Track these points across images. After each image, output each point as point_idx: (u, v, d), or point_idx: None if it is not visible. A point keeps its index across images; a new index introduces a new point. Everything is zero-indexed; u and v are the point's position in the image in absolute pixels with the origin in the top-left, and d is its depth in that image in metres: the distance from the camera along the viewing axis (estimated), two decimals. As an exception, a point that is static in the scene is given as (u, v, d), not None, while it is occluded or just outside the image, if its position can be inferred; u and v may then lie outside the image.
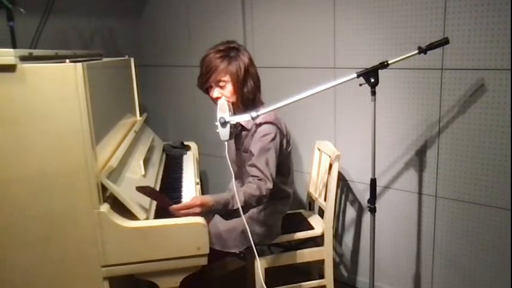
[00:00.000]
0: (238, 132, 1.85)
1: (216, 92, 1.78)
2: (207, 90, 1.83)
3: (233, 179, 1.73)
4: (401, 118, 2.05)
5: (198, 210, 1.55)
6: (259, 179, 1.71)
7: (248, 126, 1.82)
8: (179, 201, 1.71)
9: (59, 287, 1.44)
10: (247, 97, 1.79)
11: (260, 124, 1.77)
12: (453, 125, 1.91)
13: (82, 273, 1.43)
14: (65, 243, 1.40)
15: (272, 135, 1.75)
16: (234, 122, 1.65)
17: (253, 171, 1.73)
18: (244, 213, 1.66)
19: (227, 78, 1.75)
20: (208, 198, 1.61)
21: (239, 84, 1.76)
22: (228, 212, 1.69)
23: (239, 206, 1.62)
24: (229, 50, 1.77)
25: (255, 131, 1.78)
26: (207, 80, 1.77)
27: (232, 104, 1.78)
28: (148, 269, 1.47)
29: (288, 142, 1.87)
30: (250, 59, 1.80)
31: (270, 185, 1.72)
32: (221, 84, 1.76)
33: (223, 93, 1.77)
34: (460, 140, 1.90)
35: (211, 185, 2.93)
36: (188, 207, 1.54)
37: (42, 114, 1.31)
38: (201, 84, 1.82)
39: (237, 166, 1.95)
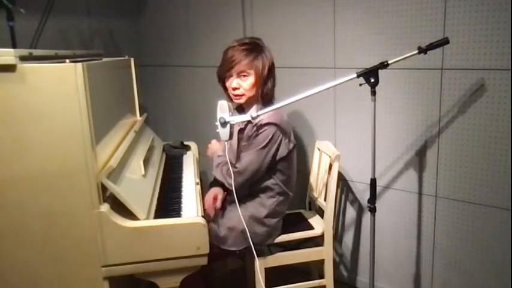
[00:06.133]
0: (243, 127, 1.86)
1: (234, 82, 1.80)
2: (223, 81, 1.85)
3: (233, 178, 1.73)
4: (401, 118, 2.05)
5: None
6: (237, 169, 1.80)
7: (254, 121, 1.83)
8: (179, 201, 1.71)
9: (59, 287, 1.44)
10: (267, 94, 1.83)
11: (263, 124, 1.77)
12: (453, 125, 1.91)
13: (82, 273, 1.43)
14: (65, 243, 1.41)
15: (268, 134, 1.75)
16: (234, 122, 1.66)
17: (239, 162, 1.82)
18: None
19: (251, 71, 1.78)
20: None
21: (261, 80, 1.80)
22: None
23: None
24: (255, 45, 1.80)
25: (258, 129, 1.78)
26: (230, 69, 1.79)
27: (249, 98, 1.81)
28: (148, 269, 1.47)
29: (290, 142, 1.86)
30: (273, 59, 1.83)
31: (245, 181, 1.81)
32: (244, 75, 1.78)
33: (242, 85, 1.79)
34: (460, 140, 1.90)
35: (211, 185, 2.93)
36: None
37: (42, 114, 1.31)
38: (223, 72, 1.83)
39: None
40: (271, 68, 1.83)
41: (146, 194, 1.66)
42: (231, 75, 1.80)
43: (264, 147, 1.76)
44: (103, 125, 1.54)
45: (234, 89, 1.80)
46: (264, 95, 1.83)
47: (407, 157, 2.07)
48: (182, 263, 1.50)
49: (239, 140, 1.90)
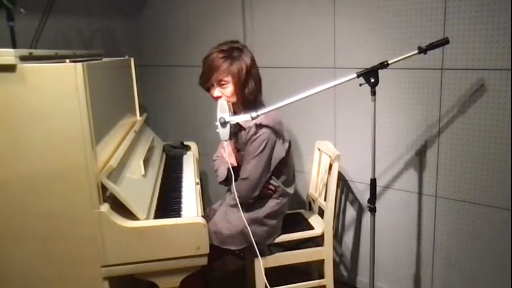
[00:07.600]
0: (236, 131, 1.86)
1: (216, 91, 1.80)
2: (208, 89, 1.85)
3: (232, 178, 1.74)
4: (401, 118, 2.05)
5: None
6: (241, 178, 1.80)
7: (246, 126, 1.82)
8: (179, 201, 1.71)
9: (59, 287, 1.44)
10: (248, 98, 1.80)
11: (256, 126, 1.77)
12: (453, 125, 1.91)
13: (82, 273, 1.43)
14: (65, 243, 1.41)
15: (262, 140, 1.75)
16: (234, 122, 1.66)
17: (243, 174, 1.81)
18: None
19: (228, 78, 1.77)
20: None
21: (240, 85, 1.77)
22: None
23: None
24: (232, 50, 1.78)
25: (250, 133, 1.78)
26: (209, 79, 1.79)
27: (233, 104, 1.80)
28: (148, 269, 1.47)
29: (284, 142, 1.86)
30: (253, 60, 1.81)
31: (252, 193, 1.81)
32: (222, 83, 1.78)
33: (224, 93, 1.79)
34: (460, 140, 1.90)
35: (211, 185, 2.93)
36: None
37: (42, 114, 1.31)
38: (203, 82, 1.84)
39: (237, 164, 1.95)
40: (250, 69, 1.79)
41: (146, 194, 1.66)
42: (212, 85, 1.81)
43: (262, 151, 1.76)
44: (103, 125, 1.54)
45: (218, 97, 1.80)
46: (247, 98, 1.80)
47: (407, 157, 2.07)
48: (182, 263, 1.50)
49: (235, 144, 1.91)
